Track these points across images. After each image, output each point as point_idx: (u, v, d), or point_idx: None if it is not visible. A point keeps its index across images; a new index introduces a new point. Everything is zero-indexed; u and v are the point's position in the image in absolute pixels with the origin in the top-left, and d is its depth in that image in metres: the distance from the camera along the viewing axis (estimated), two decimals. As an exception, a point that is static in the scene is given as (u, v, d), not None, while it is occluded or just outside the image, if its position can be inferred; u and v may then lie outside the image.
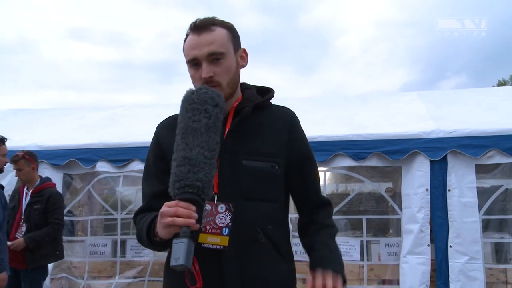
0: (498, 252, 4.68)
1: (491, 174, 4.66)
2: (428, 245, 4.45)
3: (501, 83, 25.05)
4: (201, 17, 1.57)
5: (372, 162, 4.69)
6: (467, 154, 4.38)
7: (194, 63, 1.54)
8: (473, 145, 4.40)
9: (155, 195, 1.56)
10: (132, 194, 5.77)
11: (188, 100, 1.40)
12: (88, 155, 5.08)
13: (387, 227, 5.34)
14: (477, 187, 4.42)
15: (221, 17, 1.59)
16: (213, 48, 1.51)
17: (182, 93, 1.45)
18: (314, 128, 4.90)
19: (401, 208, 4.64)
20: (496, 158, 4.39)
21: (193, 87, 1.49)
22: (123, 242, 5.38)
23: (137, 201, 5.67)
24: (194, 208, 1.31)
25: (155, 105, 8.17)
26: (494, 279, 4.41)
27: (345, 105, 6.24)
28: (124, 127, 5.85)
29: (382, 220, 5.29)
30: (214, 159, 1.36)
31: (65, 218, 5.20)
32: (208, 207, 1.48)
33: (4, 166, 4.01)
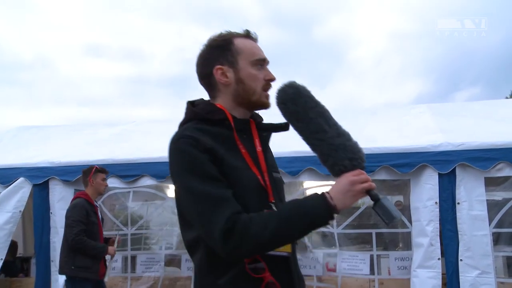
0: (510, 266, 4.63)
1: (501, 186, 4.63)
2: (439, 259, 4.43)
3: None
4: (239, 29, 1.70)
5: (381, 175, 4.69)
6: (476, 167, 4.37)
7: (260, 63, 1.65)
8: (482, 158, 4.38)
9: (232, 197, 1.50)
10: (142, 209, 5.82)
11: (305, 90, 1.55)
12: (99, 171, 5.14)
13: (397, 241, 5.31)
14: (486, 200, 4.40)
15: (237, 30, 1.69)
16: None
17: None
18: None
19: (410, 222, 4.62)
20: (505, 170, 4.37)
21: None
22: (133, 258, 5.41)
23: (148, 216, 5.72)
24: None
25: (166, 121, 8.24)
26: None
27: (355, 118, 6.23)
28: (134, 143, 5.91)
29: (391, 233, 5.27)
30: None
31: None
32: None
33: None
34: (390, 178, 4.74)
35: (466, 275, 4.30)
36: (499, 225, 4.40)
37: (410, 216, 4.63)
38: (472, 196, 4.39)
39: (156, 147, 5.51)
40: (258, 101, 1.64)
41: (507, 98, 22.74)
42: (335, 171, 1.50)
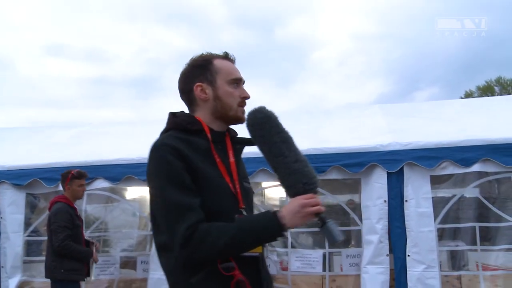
0: (453, 259, 4.82)
1: (445, 184, 4.81)
2: (387, 255, 4.58)
3: (468, 94, 25.68)
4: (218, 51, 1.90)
5: (332, 175, 4.81)
6: (422, 166, 4.54)
7: (237, 82, 1.85)
8: (428, 157, 4.55)
9: (199, 207, 1.63)
10: (98, 211, 5.78)
11: (273, 116, 1.71)
12: (51, 174, 5.09)
13: (349, 239, 5.44)
14: (432, 197, 4.57)
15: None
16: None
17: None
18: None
19: (361, 220, 4.76)
20: (449, 169, 4.55)
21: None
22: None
23: (104, 218, 5.68)
24: None
25: (122, 123, 8.21)
26: (449, 285, 4.54)
27: (312, 119, 6.39)
28: (89, 146, 5.87)
29: (343, 231, 5.40)
30: None
31: (30, 238, 5.20)
32: None
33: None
34: (341, 177, 4.87)
35: (413, 270, 4.46)
36: (443, 221, 4.58)
37: (361, 214, 4.77)
38: (419, 194, 4.55)
39: (111, 149, 5.50)
40: (234, 116, 1.82)
41: (461, 98, 23.46)
42: (290, 193, 1.66)
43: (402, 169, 4.61)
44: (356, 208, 5.01)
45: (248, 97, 1.86)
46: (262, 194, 5.74)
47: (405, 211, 4.55)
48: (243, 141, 1.88)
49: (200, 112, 1.83)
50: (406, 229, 4.53)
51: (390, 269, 4.58)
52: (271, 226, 1.60)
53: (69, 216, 4.30)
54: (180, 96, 1.90)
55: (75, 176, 4.45)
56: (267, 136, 1.68)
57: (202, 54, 1.87)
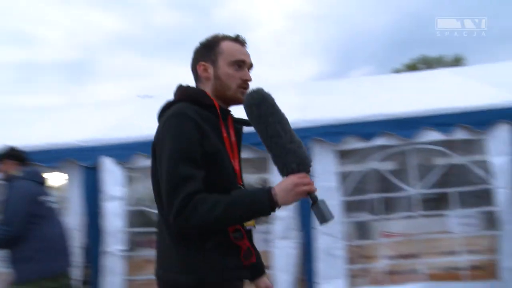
0: (359, 230, 5.05)
1: (350, 159, 4.99)
2: (296, 230, 4.71)
3: (395, 72, 26.62)
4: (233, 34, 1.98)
5: (243, 154, 4.85)
6: (328, 141, 4.68)
7: (239, 64, 1.92)
8: (332, 133, 4.70)
9: (202, 179, 1.71)
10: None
11: (269, 98, 1.74)
12: None
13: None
14: (338, 172, 4.73)
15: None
16: (252, 62, 1.98)
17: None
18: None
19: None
20: (354, 144, 4.73)
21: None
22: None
23: None
24: None
25: (36, 109, 7.92)
26: (355, 255, 4.76)
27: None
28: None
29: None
30: None
31: None
32: None
33: None
34: (252, 156, 4.94)
35: (321, 242, 4.63)
36: (349, 194, 4.76)
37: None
38: (325, 169, 4.70)
39: (18, 136, 5.29)
40: (232, 96, 1.91)
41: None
42: (284, 172, 1.73)
43: (308, 144, 4.73)
44: (267, 185, 5.10)
45: (249, 80, 1.93)
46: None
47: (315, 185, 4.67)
48: (241, 121, 1.97)
49: (204, 89, 1.94)
50: (314, 203, 4.66)
51: (299, 243, 4.72)
52: (263, 203, 1.66)
53: None
54: (191, 72, 2.02)
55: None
56: (264, 117, 1.73)
57: (215, 35, 1.97)
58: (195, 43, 2.00)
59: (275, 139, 1.71)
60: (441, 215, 4.97)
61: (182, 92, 1.93)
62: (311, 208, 1.74)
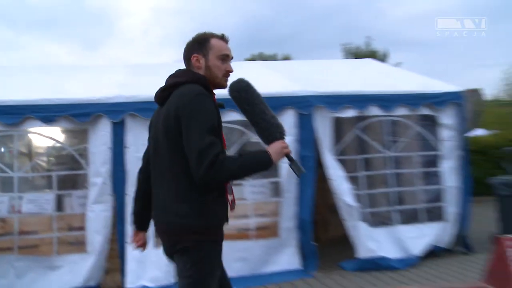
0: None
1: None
2: (110, 195, 5.17)
3: (247, 59, 28.70)
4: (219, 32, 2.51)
5: (61, 124, 5.16)
6: (142, 116, 5.19)
7: (224, 58, 2.45)
8: (147, 109, 5.18)
9: (220, 144, 2.26)
10: None
11: (251, 85, 2.37)
12: None
13: (78, 181, 5.85)
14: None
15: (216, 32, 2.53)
16: (233, 55, 2.52)
17: None
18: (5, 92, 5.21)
19: (88, 165, 5.24)
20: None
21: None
22: None
23: None
24: None
25: None
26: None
27: (52, 73, 6.61)
28: None
29: (73, 175, 5.81)
30: None
31: None
32: None
33: None
34: (71, 127, 5.26)
35: (130, 207, 5.10)
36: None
37: (88, 160, 5.24)
38: (138, 141, 5.19)
39: None
40: (219, 83, 2.45)
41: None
42: (269, 140, 2.34)
43: (124, 119, 5.19)
44: (84, 154, 5.45)
45: (231, 71, 2.48)
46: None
47: (126, 156, 5.18)
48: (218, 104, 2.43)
49: None
50: (127, 172, 5.17)
51: (112, 207, 5.19)
52: (266, 160, 2.28)
53: None
54: (184, 61, 2.50)
55: None
56: (251, 99, 2.33)
57: (205, 32, 2.49)
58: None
59: (262, 115, 2.33)
60: (240, 184, 5.75)
61: (190, 75, 2.41)
62: (289, 165, 2.37)
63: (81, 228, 5.21)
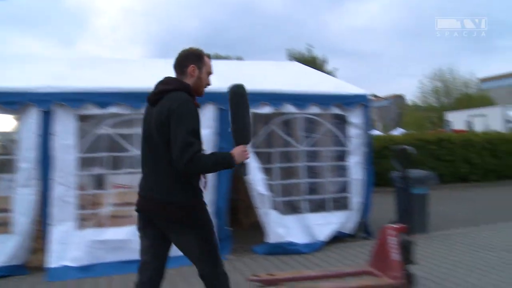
0: (94, 182, 6.07)
1: (89, 122, 5.95)
2: (37, 179, 5.49)
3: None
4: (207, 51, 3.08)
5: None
6: (69, 106, 5.54)
7: (209, 74, 3.06)
8: (74, 99, 5.55)
9: (200, 144, 2.78)
10: None
11: (245, 94, 2.96)
12: None
13: (7, 167, 6.12)
14: (76, 132, 5.64)
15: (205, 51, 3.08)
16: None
17: None
18: None
19: (17, 150, 5.52)
20: (92, 110, 5.67)
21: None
22: None
23: None
24: None
25: None
26: (87, 202, 5.79)
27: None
28: None
29: (2, 160, 6.07)
30: None
31: None
32: None
33: None
34: (1, 114, 5.55)
35: (56, 191, 5.50)
36: (85, 151, 5.71)
37: (17, 146, 5.53)
38: (65, 129, 5.54)
39: None
40: (201, 92, 3.05)
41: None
42: (239, 141, 2.93)
43: (53, 108, 5.51)
44: (14, 140, 5.73)
45: (210, 84, 3.09)
46: None
47: (53, 143, 5.52)
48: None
49: (187, 82, 2.95)
50: (54, 158, 5.51)
51: (38, 191, 5.51)
52: (230, 160, 2.84)
53: None
54: (176, 65, 3.01)
55: None
56: (242, 104, 2.92)
57: (198, 48, 3.02)
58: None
59: (245, 119, 2.93)
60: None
61: (178, 84, 2.92)
62: (239, 165, 2.91)
63: (7, 210, 5.50)
